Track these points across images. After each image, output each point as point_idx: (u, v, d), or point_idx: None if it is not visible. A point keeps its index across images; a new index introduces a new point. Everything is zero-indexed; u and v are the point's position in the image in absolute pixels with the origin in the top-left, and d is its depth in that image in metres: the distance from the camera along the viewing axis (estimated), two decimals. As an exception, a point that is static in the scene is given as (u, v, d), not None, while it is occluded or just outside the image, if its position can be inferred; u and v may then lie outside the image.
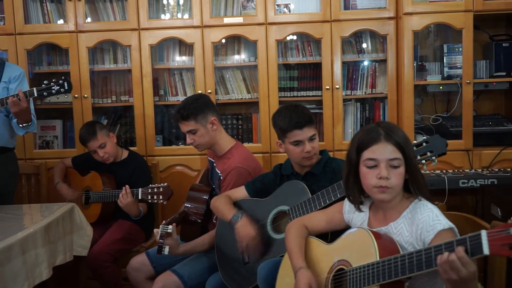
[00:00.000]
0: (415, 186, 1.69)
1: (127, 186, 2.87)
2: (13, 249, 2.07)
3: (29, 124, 2.87)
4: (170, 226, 2.41)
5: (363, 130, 1.76)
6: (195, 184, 2.93)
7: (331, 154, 2.49)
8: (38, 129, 3.80)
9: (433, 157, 2.00)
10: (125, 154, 3.26)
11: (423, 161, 2.01)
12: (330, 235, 2.03)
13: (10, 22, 3.60)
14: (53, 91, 2.74)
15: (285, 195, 2.34)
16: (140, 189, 2.81)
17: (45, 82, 2.77)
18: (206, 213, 2.73)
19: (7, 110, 2.86)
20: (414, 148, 1.99)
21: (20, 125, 2.86)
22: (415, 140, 3.38)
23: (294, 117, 2.30)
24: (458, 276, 1.38)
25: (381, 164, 1.65)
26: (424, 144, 2.02)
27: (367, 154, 1.68)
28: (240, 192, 2.51)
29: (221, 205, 2.46)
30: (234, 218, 2.35)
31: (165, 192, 2.74)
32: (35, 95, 2.73)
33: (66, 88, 2.77)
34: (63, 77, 2.81)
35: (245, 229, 2.31)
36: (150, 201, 2.79)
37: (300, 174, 2.39)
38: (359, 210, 1.81)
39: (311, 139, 2.31)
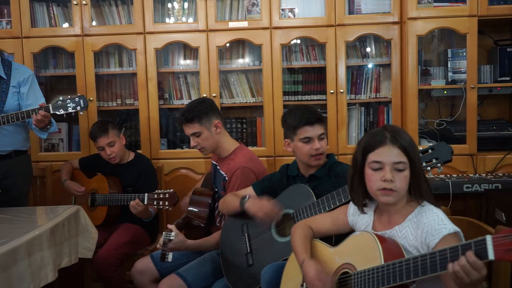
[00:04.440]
0: (416, 191, 1.70)
1: (137, 200, 2.85)
2: (19, 251, 2.09)
3: (50, 126, 2.90)
4: (173, 233, 2.42)
5: (370, 133, 1.77)
6: (197, 188, 2.94)
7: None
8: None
9: (439, 164, 2.00)
10: (131, 156, 3.28)
11: (429, 168, 2.01)
12: (334, 239, 2.04)
13: (16, 26, 3.62)
14: (69, 108, 2.78)
15: (290, 199, 2.35)
16: (146, 195, 2.80)
17: (60, 98, 2.80)
18: (210, 217, 2.74)
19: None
20: (420, 154, 1.99)
21: (43, 129, 2.90)
22: (419, 144, 3.44)
23: (305, 113, 2.34)
24: (469, 279, 1.38)
25: (386, 167, 1.66)
26: (430, 151, 2.01)
27: (372, 156, 1.69)
28: (248, 192, 2.52)
29: (229, 201, 2.49)
30: (242, 202, 2.38)
31: (171, 199, 2.74)
32: (51, 112, 2.77)
33: (82, 105, 2.81)
34: (79, 94, 2.84)
35: (254, 205, 2.34)
36: (155, 206, 2.79)
37: (304, 177, 2.40)
38: (363, 212, 1.82)
39: (320, 138, 2.33)
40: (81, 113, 2.84)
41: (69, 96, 2.81)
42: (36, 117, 2.74)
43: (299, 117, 2.34)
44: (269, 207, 2.31)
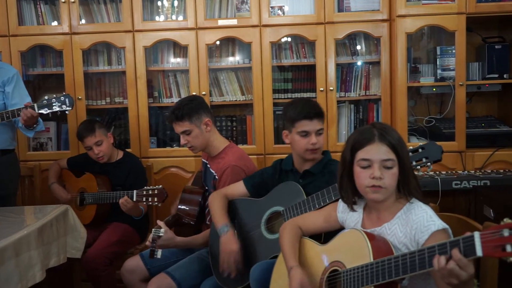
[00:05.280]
0: (405, 188, 1.70)
1: (125, 197, 2.84)
2: (7, 251, 2.06)
3: (36, 125, 2.88)
4: (162, 230, 2.42)
5: (358, 130, 1.77)
6: (187, 186, 2.93)
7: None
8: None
9: (428, 163, 2.00)
10: (120, 154, 3.26)
11: (418, 167, 2.02)
12: (323, 237, 2.04)
13: (3, 24, 3.58)
14: (54, 107, 2.77)
15: (280, 196, 2.35)
16: (135, 192, 2.81)
17: (46, 97, 2.79)
18: (199, 215, 2.73)
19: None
20: (410, 154, 1.99)
21: (30, 128, 2.87)
22: (409, 142, 3.45)
23: (306, 107, 2.34)
24: (458, 280, 1.39)
25: (375, 165, 1.67)
26: (420, 150, 2.01)
27: (361, 154, 1.70)
28: (239, 188, 2.52)
29: (215, 208, 2.47)
30: (221, 230, 2.38)
31: (159, 195, 2.74)
32: (36, 111, 2.75)
33: (68, 105, 2.80)
34: (64, 93, 2.84)
35: (227, 244, 2.34)
36: (144, 203, 2.79)
37: (299, 172, 2.40)
38: (352, 209, 1.82)
39: (318, 133, 2.33)
40: (66, 112, 2.82)
41: (54, 95, 2.80)
42: (22, 116, 2.72)
43: (298, 110, 2.34)
44: (237, 256, 2.32)
